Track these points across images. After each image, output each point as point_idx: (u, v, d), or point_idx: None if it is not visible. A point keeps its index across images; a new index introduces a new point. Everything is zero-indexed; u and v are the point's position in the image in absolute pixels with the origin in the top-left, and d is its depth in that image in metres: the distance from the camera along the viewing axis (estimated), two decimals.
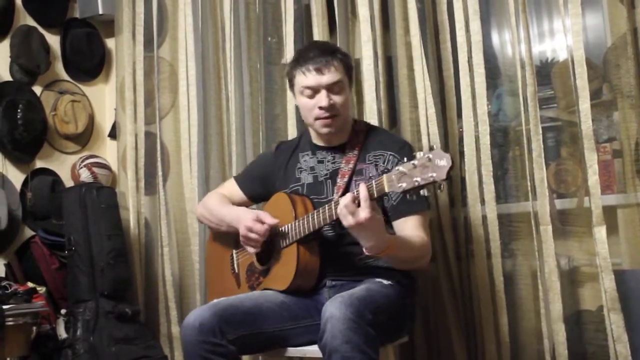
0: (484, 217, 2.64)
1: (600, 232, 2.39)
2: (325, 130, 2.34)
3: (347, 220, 1.97)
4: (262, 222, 2.28)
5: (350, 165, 2.33)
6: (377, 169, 2.31)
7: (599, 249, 2.38)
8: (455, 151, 2.76)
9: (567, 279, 2.56)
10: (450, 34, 2.77)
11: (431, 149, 1.86)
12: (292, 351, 2.25)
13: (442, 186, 1.86)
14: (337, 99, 2.30)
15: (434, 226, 2.75)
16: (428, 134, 2.76)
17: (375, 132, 2.44)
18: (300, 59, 2.34)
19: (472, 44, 2.66)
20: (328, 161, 2.41)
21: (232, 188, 2.62)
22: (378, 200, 2.05)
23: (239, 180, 2.63)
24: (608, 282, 2.36)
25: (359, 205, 1.96)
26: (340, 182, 2.31)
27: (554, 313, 2.48)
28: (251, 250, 2.35)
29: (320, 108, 2.29)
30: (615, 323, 2.36)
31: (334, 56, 2.31)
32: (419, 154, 1.87)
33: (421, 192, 1.87)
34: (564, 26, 2.51)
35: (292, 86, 2.40)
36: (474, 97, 2.66)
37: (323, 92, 2.29)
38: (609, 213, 2.48)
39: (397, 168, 1.90)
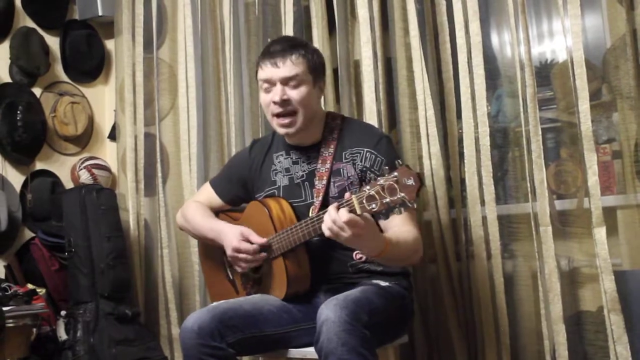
0: (484, 218, 2.63)
1: (600, 233, 2.39)
2: (282, 130, 2.27)
3: (341, 237, 1.92)
4: (249, 242, 2.25)
5: (327, 165, 2.27)
6: (355, 167, 2.26)
7: (599, 249, 2.38)
8: (454, 152, 2.76)
9: (567, 279, 2.56)
10: (449, 35, 2.76)
11: (398, 165, 1.83)
12: (292, 352, 2.25)
13: (414, 204, 1.81)
14: (292, 93, 2.22)
15: (433, 227, 2.75)
16: (427, 135, 2.76)
17: (351, 126, 2.36)
18: (263, 53, 2.29)
19: (471, 45, 2.66)
20: (303, 162, 2.35)
21: (209, 194, 2.56)
22: None
23: (215, 185, 2.57)
24: (608, 283, 2.36)
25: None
26: (319, 184, 2.27)
27: (554, 314, 2.48)
28: (240, 270, 2.33)
29: (274, 103, 2.23)
30: (615, 324, 2.36)
31: (294, 50, 2.23)
32: (385, 170, 1.84)
33: (395, 210, 1.83)
34: (563, 27, 2.51)
35: (257, 82, 2.34)
36: (474, 99, 2.66)
37: (278, 86, 2.22)
38: (609, 214, 2.48)
39: (364, 189, 1.86)
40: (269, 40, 3.18)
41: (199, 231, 2.48)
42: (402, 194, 1.79)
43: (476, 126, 2.65)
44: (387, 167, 1.85)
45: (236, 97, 3.25)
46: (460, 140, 2.72)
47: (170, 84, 3.56)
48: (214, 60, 3.36)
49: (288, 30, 3.07)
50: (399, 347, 2.41)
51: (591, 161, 2.40)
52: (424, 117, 2.77)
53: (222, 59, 3.34)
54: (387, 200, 1.82)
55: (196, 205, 2.54)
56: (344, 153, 2.29)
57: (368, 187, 1.86)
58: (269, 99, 2.25)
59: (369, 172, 2.18)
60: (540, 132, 2.51)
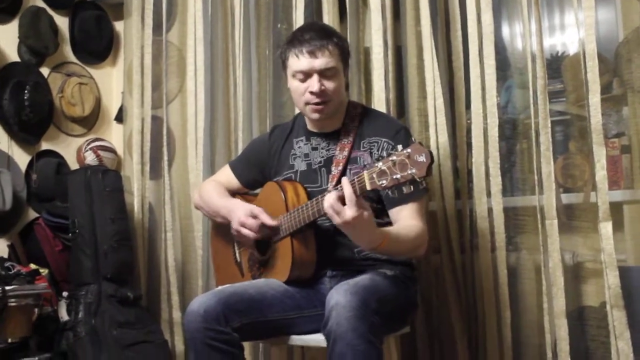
0: (490, 210, 2.62)
1: (606, 227, 2.37)
2: (315, 116, 2.30)
3: (335, 220, 1.94)
4: (255, 217, 2.27)
5: (345, 153, 2.29)
6: (372, 156, 2.27)
7: (604, 244, 2.37)
8: (462, 142, 2.75)
9: (571, 274, 2.55)
10: (461, 24, 2.75)
11: (413, 142, 1.84)
12: (294, 339, 2.25)
13: (423, 183, 1.82)
14: (329, 84, 2.24)
15: (439, 217, 2.75)
16: (436, 125, 2.75)
17: (371, 116, 2.39)
18: (295, 41, 2.27)
19: (483, 36, 2.64)
20: (322, 148, 2.37)
21: (228, 175, 2.59)
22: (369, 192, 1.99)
23: (234, 167, 2.60)
24: (612, 279, 2.35)
25: (344, 203, 1.92)
26: (335, 170, 2.28)
27: (557, 308, 2.47)
28: (242, 244, 2.34)
29: (312, 93, 2.24)
30: (617, 320, 2.35)
31: (329, 40, 2.24)
32: (398, 148, 1.84)
33: (403, 188, 1.84)
34: (576, 19, 2.48)
35: (284, 68, 2.34)
36: (484, 89, 2.64)
37: (315, 77, 2.23)
38: (616, 209, 2.45)
39: (376, 164, 1.87)
40: (278, 25, 3.19)
41: (213, 209, 2.50)
42: (413, 170, 1.80)
43: (485, 117, 2.63)
44: (400, 146, 1.85)
45: (244, 82, 3.24)
46: (469, 131, 2.71)
47: (178, 67, 3.55)
48: (223, 44, 3.35)
49: (299, 15, 3.05)
50: (400, 337, 2.41)
51: (600, 155, 2.38)
52: (432, 106, 2.76)
53: (231, 44, 3.33)
54: (398, 176, 1.82)
55: (214, 185, 2.57)
56: (362, 142, 2.31)
57: (380, 163, 1.86)
58: (303, 88, 2.26)
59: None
60: (549, 125, 2.49)
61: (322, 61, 2.22)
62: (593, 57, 2.39)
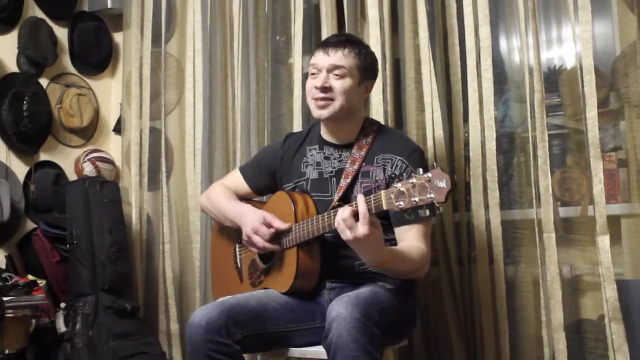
0: (488, 223, 2.62)
1: (604, 241, 2.37)
2: (317, 112, 2.30)
3: (345, 235, 1.95)
4: (269, 225, 2.27)
5: (355, 166, 2.30)
6: (384, 172, 2.28)
7: (602, 258, 2.37)
8: (460, 156, 2.75)
9: (568, 287, 2.55)
10: (459, 38, 2.76)
11: (432, 167, 1.84)
12: (292, 351, 2.25)
13: (440, 208, 1.81)
14: (336, 83, 2.27)
15: (436, 230, 2.74)
16: (434, 138, 2.75)
17: (386, 132, 2.40)
18: (319, 43, 2.38)
19: (480, 49, 2.65)
20: (335, 158, 2.38)
21: (237, 180, 2.59)
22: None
23: (245, 171, 2.60)
24: (610, 292, 2.35)
25: (357, 219, 1.93)
26: (343, 182, 2.28)
27: (555, 321, 2.47)
28: (255, 250, 2.33)
29: (316, 87, 2.28)
30: (615, 333, 2.35)
31: (348, 45, 2.30)
32: (419, 172, 1.84)
33: (419, 212, 1.83)
34: (573, 33, 2.50)
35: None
36: (481, 102, 2.65)
37: (323, 73, 2.28)
38: (613, 222, 2.46)
39: (395, 186, 1.87)
40: (277, 37, 3.20)
41: (221, 211, 2.50)
42: (432, 195, 1.79)
43: (482, 130, 2.64)
44: (421, 169, 1.85)
45: (243, 94, 3.25)
46: (466, 144, 2.71)
47: (177, 78, 3.55)
48: (222, 56, 3.36)
49: (297, 28, 3.06)
50: (398, 350, 2.40)
51: (597, 169, 2.38)
52: (430, 119, 2.76)
53: (230, 55, 3.34)
54: (416, 199, 1.81)
55: (222, 188, 2.57)
56: (376, 157, 2.31)
57: (399, 185, 1.86)
58: (312, 84, 2.31)
59: (397, 179, 2.19)
60: (546, 138, 2.50)
61: (332, 59, 2.27)
62: (590, 71, 2.40)
